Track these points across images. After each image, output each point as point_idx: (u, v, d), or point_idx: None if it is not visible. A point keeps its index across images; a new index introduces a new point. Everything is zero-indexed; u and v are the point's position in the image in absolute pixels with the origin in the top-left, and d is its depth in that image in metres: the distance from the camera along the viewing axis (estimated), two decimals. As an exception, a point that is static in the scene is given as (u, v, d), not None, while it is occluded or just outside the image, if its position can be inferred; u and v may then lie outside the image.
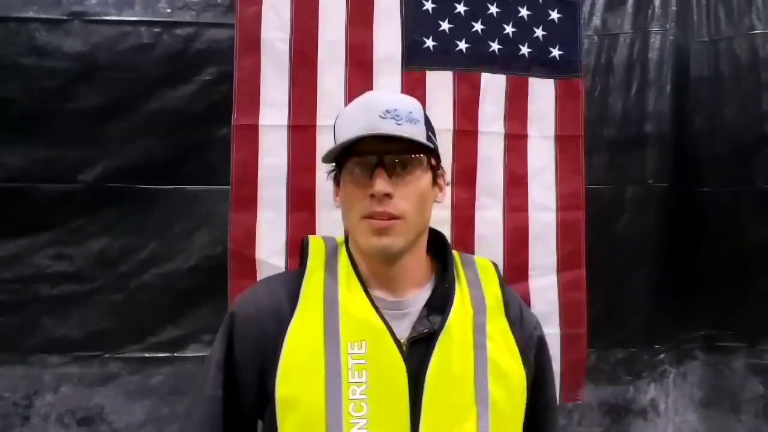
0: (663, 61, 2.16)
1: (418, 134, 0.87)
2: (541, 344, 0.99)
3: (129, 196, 1.98)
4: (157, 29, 1.94)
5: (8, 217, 1.95)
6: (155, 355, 2.04)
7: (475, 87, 1.63)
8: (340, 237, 0.99)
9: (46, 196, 1.95)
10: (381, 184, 0.83)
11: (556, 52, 1.67)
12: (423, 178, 0.89)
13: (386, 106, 0.86)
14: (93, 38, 1.92)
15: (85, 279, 1.99)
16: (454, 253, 0.99)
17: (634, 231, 2.18)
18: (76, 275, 1.99)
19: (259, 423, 0.92)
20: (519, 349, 0.92)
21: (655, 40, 2.15)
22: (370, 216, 0.85)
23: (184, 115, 1.97)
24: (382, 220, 0.84)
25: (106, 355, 2.02)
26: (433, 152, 0.91)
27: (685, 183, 2.25)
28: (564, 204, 1.72)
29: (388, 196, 0.83)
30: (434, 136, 0.94)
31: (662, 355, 2.28)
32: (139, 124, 1.96)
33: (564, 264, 1.72)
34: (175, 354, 2.05)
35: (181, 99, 1.96)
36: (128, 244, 2.00)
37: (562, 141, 1.71)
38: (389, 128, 0.84)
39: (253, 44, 1.52)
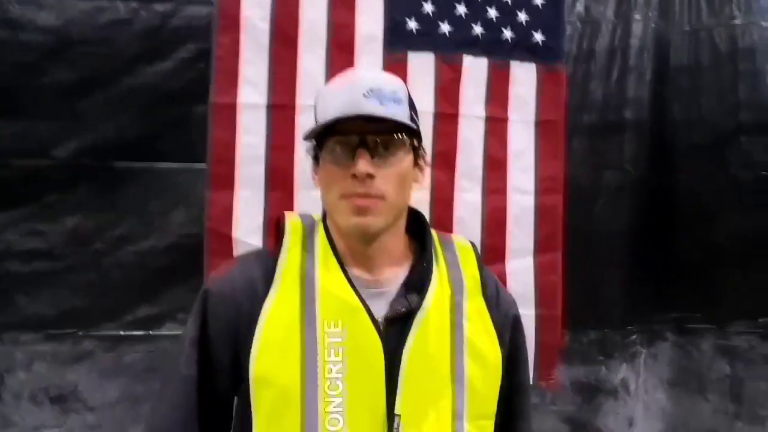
0: (644, 49, 2.18)
1: (402, 115, 0.85)
2: (516, 324, 0.99)
3: (104, 173, 1.95)
4: (134, 4, 1.90)
5: (-22, 192, 1.91)
6: (130, 333, 2.03)
7: (457, 70, 1.61)
8: (317, 214, 0.98)
9: (19, 171, 1.91)
10: (363, 165, 0.81)
11: (538, 37, 1.66)
12: (405, 160, 0.88)
13: (370, 85, 0.84)
14: (68, 12, 1.87)
15: (59, 256, 1.97)
16: (433, 232, 0.98)
17: (610, 215, 2.22)
18: (48, 252, 1.96)
19: (235, 400, 0.92)
20: (495, 329, 0.92)
21: (636, 28, 2.17)
22: (350, 195, 0.84)
23: (160, 92, 1.94)
24: (363, 198, 0.83)
25: (80, 333, 2.01)
26: (415, 133, 0.90)
27: (662, 170, 2.30)
28: (543, 187, 1.72)
29: (370, 176, 0.82)
30: (417, 116, 0.92)
31: (634, 336, 2.34)
32: (115, 101, 1.92)
33: (541, 246, 1.73)
34: (150, 332, 2.04)
35: (158, 76, 1.93)
36: (103, 222, 1.98)
37: (543, 126, 1.70)
38: (373, 108, 0.82)
39: (232, 21, 1.48)
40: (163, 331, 2.04)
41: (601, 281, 2.25)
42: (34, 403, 2.01)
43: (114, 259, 2.00)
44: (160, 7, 1.91)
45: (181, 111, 1.93)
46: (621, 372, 2.35)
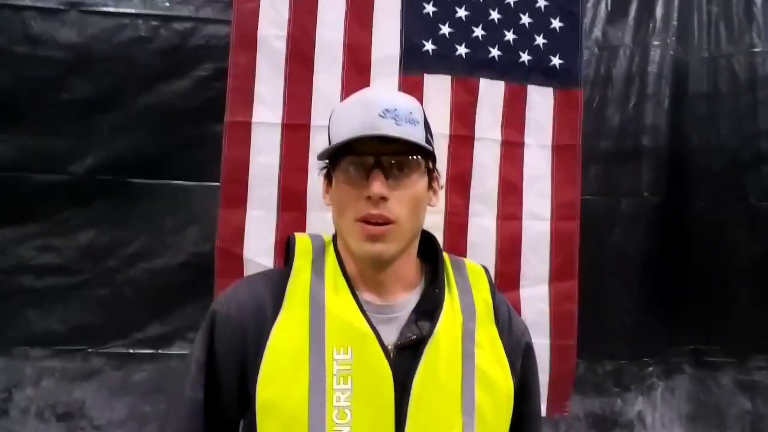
0: (662, 76, 2.15)
1: (418, 136, 0.84)
2: (528, 351, 0.97)
3: (119, 190, 1.95)
4: (155, 23, 1.92)
5: (-5, 205, 1.92)
6: (139, 351, 2.02)
7: (473, 93, 1.62)
8: (327, 235, 0.96)
9: (35, 186, 1.92)
10: (378, 187, 0.80)
11: (556, 61, 1.66)
12: (419, 182, 0.86)
13: (386, 105, 0.83)
14: (89, 29, 1.89)
15: (71, 272, 1.97)
16: (445, 256, 0.97)
17: (626, 243, 2.18)
18: (62, 268, 1.96)
19: (241, 424, 0.90)
20: (507, 357, 0.90)
21: (655, 54, 2.15)
22: (364, 219, 0.82)
23: (178, 111, 1.94)
24: (377, 224, 0.82)
25: (90, 350, 2.00)
26: (430, 155, 0.88)
27: (679, 197, 2.25)
28: (558, 214, 1.70)
29: (383, 199, 0.81)
30: (432, 137, 0.91)
31: (650, 368, 2.28)
32: (133, 118, 1.93)
33: (556, 274, 1.71)
34: (160, 351, 2.02)
35: (176, 94, 1.94)
36: (117, 239, 1.98)
37: (558, 150, 1.70)
38: (389, 128, 0.81)
39: (249, 40, 1.50)
40: (173, 350, 2.02)
41: (617, 311, 2.20)
42: (41, 420, 1.99)
43: (126, 275, 1.99)
44: (179, 26, 1.93)
45: (198, 129, 1.94)
46: (637, 405, 2.29)
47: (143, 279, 1.99)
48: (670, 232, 2.25)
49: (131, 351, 2.01)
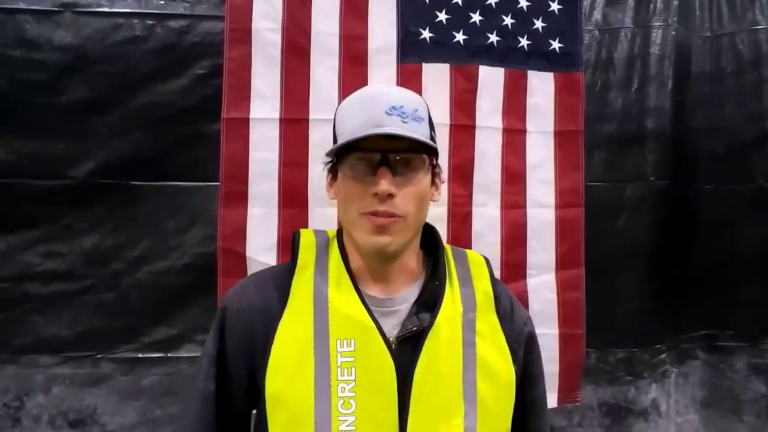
0: (664, 57, 2.13)
1: (423, 133, 0.86)
2: (530, 340, 0.98)
3: (120, 193, 1.95)
4: (150, 21, 1.90)
5: (-3, 213, 1.92)
6: (148, 355, 2.02)
7: (472, 80, 1.59)
8: (331, 231, 0.98)
9: (36, 191, 1.91)
10: (385, 185, 0.82)
11: (555, 45, 1.63)
12: (425, 179, 0.89)
13: (392, 102, 0.85)
14: (84, 30, 1.88)
15: (77, 277, 1.97)
16: (447, 247, 0.99)
17: (633, 229, 2.15)
18: (67, 273, 1.96)
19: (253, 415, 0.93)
20: (508, 346, 0.92)
21: (656, 35, 2.12)
22: (372, 214, 0.84)
23: (176, 110, 1.93)
24: (383, 217, 0.84)
25: (99, 356, 2.00)
26: (434, 152, 0.91)
27: (686, 180, 2.23)
28: (562, 201, 1.68)
29: (390, 196, 0.83)
30: (435, 134, 0.93)
31: (663, 355, 2.26)
32: (131, 119, 1.92)
33: (562, 262, 1.69)
34: (169, 354, 2.02)
35: (173, 93, 1.92)
36: (120, 242, 1.98)
37: (560, 136, 1.67)
38: (396, 126, 0.83)
39: (242, 35, 1.48)
40: (182, 353, 2.02)
41: (626, 298, 2.19)
42: (53, 428, 2.00)
43: (131, 279, 1.99)
44: (175, 24, 1.91)
45: (196, 128, 1.93)
46: (651, 392, 2.27)
47: (148, 282, 1.99)
48: (678, 216, 2.22)
49: (140, 355, 2.01)
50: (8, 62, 1.85)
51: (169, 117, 1.93)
